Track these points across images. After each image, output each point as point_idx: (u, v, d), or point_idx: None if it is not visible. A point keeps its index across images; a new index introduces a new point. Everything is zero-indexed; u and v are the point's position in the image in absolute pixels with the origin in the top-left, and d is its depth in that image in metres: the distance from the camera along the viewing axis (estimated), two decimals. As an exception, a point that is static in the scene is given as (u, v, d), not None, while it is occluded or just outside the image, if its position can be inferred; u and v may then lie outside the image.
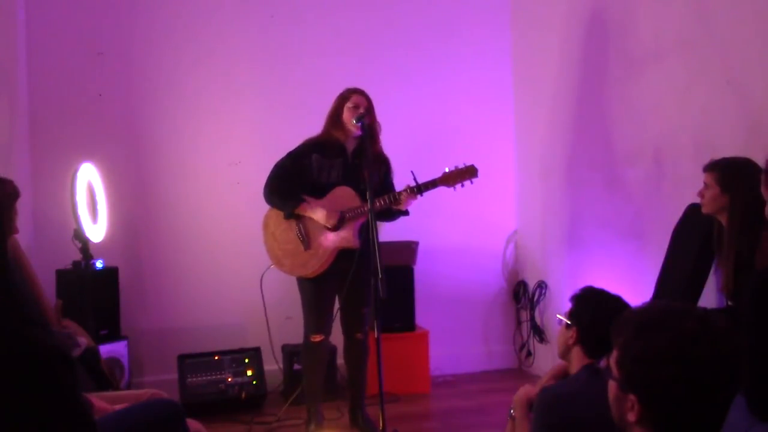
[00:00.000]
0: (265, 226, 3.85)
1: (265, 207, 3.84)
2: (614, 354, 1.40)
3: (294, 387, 4.23)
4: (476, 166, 3.64)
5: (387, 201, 3.59)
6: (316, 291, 3.75)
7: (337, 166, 3.74)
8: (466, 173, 3.62)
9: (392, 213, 3.73)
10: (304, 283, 3.78)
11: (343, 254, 3.69)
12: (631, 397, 1.35)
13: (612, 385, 1.41)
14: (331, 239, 3.68)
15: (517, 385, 2.57)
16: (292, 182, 3.75)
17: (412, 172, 3.57)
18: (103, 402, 2.39)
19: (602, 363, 2.24)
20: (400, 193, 3.60)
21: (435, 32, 5.13)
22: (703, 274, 3.23)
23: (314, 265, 3.70)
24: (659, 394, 1.31)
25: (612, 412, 1.43)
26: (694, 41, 3.63)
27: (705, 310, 1.40)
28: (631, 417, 1.35)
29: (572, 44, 4.63)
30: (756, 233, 2.65)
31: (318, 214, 3.68)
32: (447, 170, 3.62)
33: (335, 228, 3.67)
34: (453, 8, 5.16)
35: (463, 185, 3.64)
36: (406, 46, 5.07)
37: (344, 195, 3.70)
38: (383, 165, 3.82)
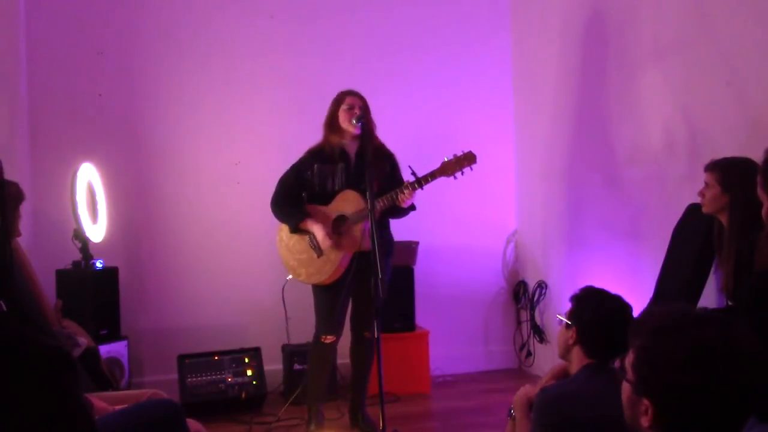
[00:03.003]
0: (279, 238, 3.86)
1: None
2: (630, 356, 1.37)
3: (294, 387, 4.23)
4: (474, 152, 3.61)
5: (389, 200, 3.59)
6: (331, 294, 3.75)
7: (339, 172, 3.74)
8: (464, 160, 3.59)
9: (400, 209, 3.72)
10: (318, 286, 3.79)
11: (357, 255, 3.70)
12: (645, 401, 1.32)
13: (626, 388, 1.39)
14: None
15: (517, 385, 2.57)
16: (297, 196, 3.78)
17: (410, 166, 3.57)
18: (103, 402, 2.39)
19: (616, 363, 2.23)
20: (401, 189, 3.58)
21: (435, 33, 5.13)
22: (704, 274, 3.22)
23: (329, 271, 3.70)
24: (674, 401, 1.29)
25: (624, 414, 1.40)
26: (694, 41, 3.62)
27: (726, 317, 1.36)
28: (645, 421, 1.32)
29: (572, 45, 4.63)
30: (756, 233, 2.65)
31: (317, 233, 3.68)
32: (446, 159, 3.60)
33: (339, 235, 3.68)
34: (453, 9, 5.16)
35: (463, 173, 3.61)
36: (406, 46, 5.07)
37: (349, 199, 3.70)
38: (387, 161, 3.81)
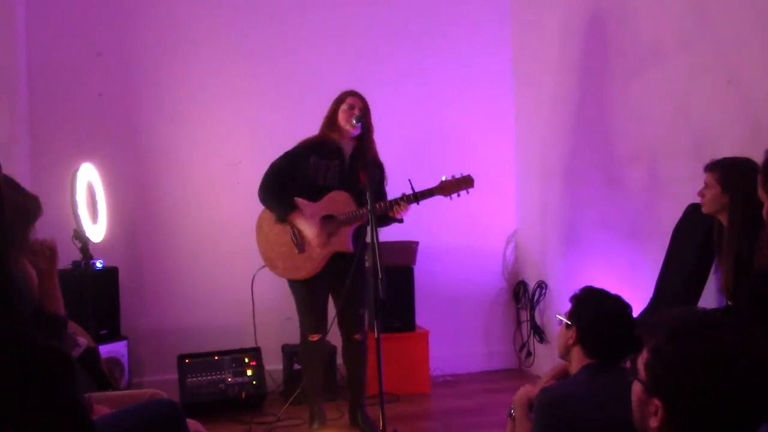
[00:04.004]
0: (259, 227, 3.85)
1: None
2: (643, 355, 1.36)
3: (294, 387, 4.23)
4: (473, 176, 3.65)
5: (383, 207, 3.60)
6: (309, 292, 3.76)
7: (334, 168, 3.73)
8: (462, 183, 3.63)
9: (386, 219, 3.73)
10: (295, 284, 3.79)
11: (335, 256, 3.70)
12: (656, 401, 1.31)
13: (637, 387, 1.38)
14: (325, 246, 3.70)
15: (517, 385, 2.57)
16: (288, 183, 3.76)
17: (409, 180, 3.58)
18: (102, 403, 2.39)
19: (627, 364, 2.23)
20: (397, 200, 3.60)
21: (435, 32, 5.12)
22: (703, 274, 3.22)
23: (308, 269, 3.70)
24: (686, 403, 1.28)
25: (633, 414, 1.39)
26: (694, 41, 3.62)
27: (744, 321, 1.34)
28: (654, 422, 1.31)
29: (572, 44, 4.63)
30: (756, 233, 2.65)
31: (307, 231, 3.67)
32: (444, 179, 3.63)
33: (328, 236, 3.68)
34: (452, 8, 5.16)
35: (459, 195, 3.66)
36: (406, 46, 5.07)
37: (339, 199, 3.70)
38: (378, 170, 3.81)
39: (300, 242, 3.71)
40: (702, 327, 1.31)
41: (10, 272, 1.44)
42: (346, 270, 3.62)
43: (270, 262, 3.81)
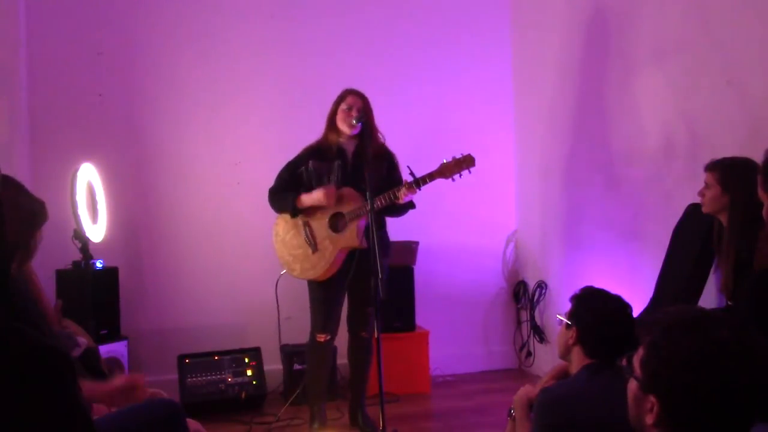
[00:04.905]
0: (275, 234, 3.87)
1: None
2: (639, 352, 1.37)
3: (294, 387, 4.23)
4: (473, 155, 3.60)
5: (387, 199, 3.59)
6: (325, 291, 3.76)
7: (336, 170, 3.74)
8: (463, 163, 3.58)
9: (399, 208, 3.73)
10: (312, 284, 3.80)
11: (352, 254, 3.70)
12: (652, 398, 1.32)
13: (632, 384, 1.38)
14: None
15: (517, 385, 2.57)
16: (294, 191, 3.78)
17: (408, 167, 3.57)
18: (101, 403, 2.39)
19: (623, 361, 2.23)
20: (398, 189, 3.59)
21: (435, 32, 5.12)
22: (704, 273, 3.23)
23: (323, 267, 3.70)
24: (681, 399, 1.28)
25: (629, 411, 1.40)
26: (694, 41, 3.62)
27: (741, 320, 1.36)
28: (649, 419, 1.32)
29: (572, 44, 4.63)
30: (756, 233, 2.65)
31: (316, 195, 3.67)
32: (444, 162, 3.60)
33: (336, 229, 3.68)
34: (453, 8, 5.16)
35: (461, 175, 3.61)
36: (407, 45, 5.07)
37: (347, 196, 3.70)
38: (385, 161, 3.80)
39: (313, 241, 3.72)
40: (697, 324, 1.32)
41: (11, 273, 1.44)
42: (363, 268, 3.61)
43: (288, 266, 3.83)
